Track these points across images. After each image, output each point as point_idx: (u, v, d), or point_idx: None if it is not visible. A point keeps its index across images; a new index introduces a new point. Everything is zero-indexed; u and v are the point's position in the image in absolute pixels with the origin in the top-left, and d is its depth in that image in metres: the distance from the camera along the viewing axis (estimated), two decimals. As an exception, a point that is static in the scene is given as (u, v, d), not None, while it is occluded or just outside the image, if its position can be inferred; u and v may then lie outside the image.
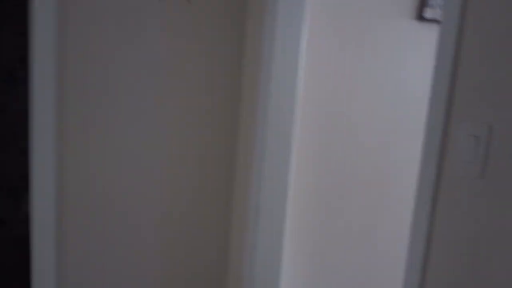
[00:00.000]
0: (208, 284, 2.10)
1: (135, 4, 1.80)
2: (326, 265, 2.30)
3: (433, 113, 1.07)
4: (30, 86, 1.79)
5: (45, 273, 1.85)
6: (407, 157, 2.45)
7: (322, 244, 2.26)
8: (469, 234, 0.99)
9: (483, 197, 0.96)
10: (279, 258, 1.92)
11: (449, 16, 1.04)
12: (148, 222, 1.97)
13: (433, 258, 1.07)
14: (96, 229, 1.91)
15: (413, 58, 2.31)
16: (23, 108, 3.15)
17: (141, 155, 1.91)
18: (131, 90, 1.86)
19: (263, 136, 1.78)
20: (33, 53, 1.72)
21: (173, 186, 1.98)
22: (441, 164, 1.05)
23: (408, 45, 2.29)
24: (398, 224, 2.49)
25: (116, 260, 1.96)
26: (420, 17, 2.34)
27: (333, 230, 2.28)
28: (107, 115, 1.85)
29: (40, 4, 1.67)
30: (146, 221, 1.97)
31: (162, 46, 1.87)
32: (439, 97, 1.05)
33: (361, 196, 2.33)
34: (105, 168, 1.88)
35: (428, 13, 2.35)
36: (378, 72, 2.24)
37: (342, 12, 2.11)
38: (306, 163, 2.14)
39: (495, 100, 0.94)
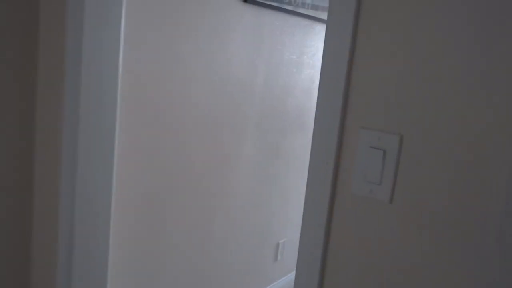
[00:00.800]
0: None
1: None
2: (155, 271, 1.96)
3: (321, 113, 0.84)
4: None
5: None
6: (238, 145, 2.27)
7: (151, 250, 1.92)
8: (368, 272, 0.82)
9: (391, 227, 0.79)
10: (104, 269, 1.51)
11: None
12: None
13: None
14: None
15: (238, 40, 2.12)
16: None
17: None
18: None
19: (73, 138, 1.33)
20: None
21: None
22: (335, 182, 0.84)
23: (233, 27, 2.08)
24: (231, 223, 2.31)
25: None
26: (245, 0, 2.15)
27: (161, 235, 1.95)
28: None
29: None
30: None
31: None
32: (328, 91, 0.83)
33: (191, 194, 2.06)
34: None
35: (253, -5, 2.18)
36: (201, 55, 1.97)
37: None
38: (128, 164, 1.75)
39: (409, 103, 0.76)
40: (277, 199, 2.63)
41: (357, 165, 0.81)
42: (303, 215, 0.87)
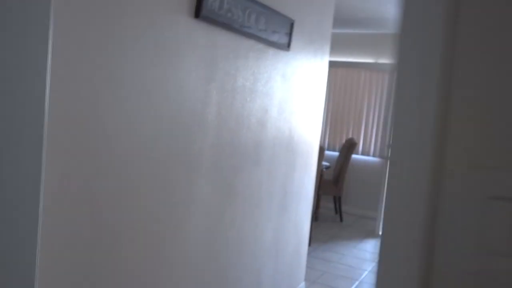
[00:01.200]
0: None
1: None
2: None
3: (399, 150, 0.55)
4: None
5: None
6: (191, 186, 1.92)
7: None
8: None
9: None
10: None
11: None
12: None
13: None
14: None
15: (189, 62, 1.80)
16: None
17: None
18: None
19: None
20: None
21: None
22: (429, 256, 0.54)
23: (183, 47, 1.77)
24: (180, 276, 1.92)
25: None
26: (197, 15, 1.86)
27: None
28: None
29: None
30: None
31: None
32: (411, 112, 0.55)
33: (134, 244, 1.65)
34: None
35: (205, 11, 1.90)
36: (147, 80, 1.63)
37: (102, 3, 1.41)
38: (59, 214, 1.32)
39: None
40: (233, 247, 2.27)
41: (466, 226, 0.52)
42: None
